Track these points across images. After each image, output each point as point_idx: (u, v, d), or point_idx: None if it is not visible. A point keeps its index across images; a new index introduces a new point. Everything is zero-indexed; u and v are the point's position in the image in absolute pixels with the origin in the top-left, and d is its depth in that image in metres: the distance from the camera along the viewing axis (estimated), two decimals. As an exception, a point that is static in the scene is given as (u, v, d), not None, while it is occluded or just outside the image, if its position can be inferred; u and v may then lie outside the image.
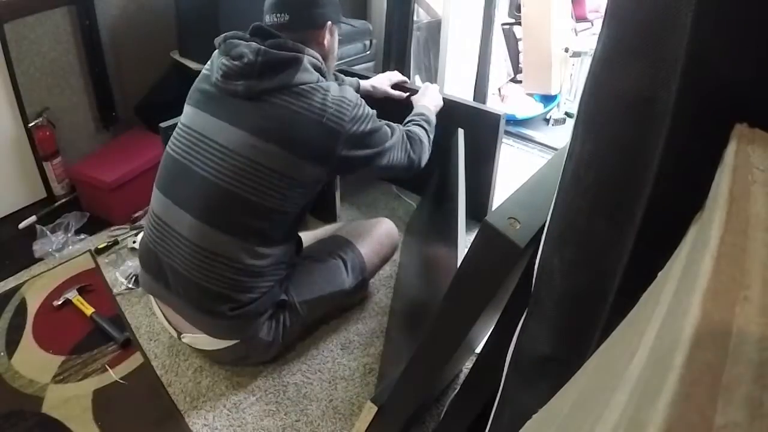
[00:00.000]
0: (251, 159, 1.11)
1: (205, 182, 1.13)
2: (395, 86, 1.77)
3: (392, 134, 1.29)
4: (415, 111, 1.52)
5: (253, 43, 1.14)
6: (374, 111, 1.26)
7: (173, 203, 1.18)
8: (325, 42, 1.27)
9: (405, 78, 1.80)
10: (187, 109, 1.24)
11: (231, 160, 1.12)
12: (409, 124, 1.44)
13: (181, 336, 1.28)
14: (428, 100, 1.59)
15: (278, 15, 1.21)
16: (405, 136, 1.34)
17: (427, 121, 1.47)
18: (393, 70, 2.55)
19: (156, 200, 1.23)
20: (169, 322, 1.29)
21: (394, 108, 1.94)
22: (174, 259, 1.18)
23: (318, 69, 1.19)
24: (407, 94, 1.73)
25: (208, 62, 1.24)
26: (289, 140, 1.12)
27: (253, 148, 1.11)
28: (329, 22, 1.26)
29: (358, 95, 1.23)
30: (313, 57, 1.19)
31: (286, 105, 1.12)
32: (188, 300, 1.19)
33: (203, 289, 1.16)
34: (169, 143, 1.24)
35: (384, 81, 1.75)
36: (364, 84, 1.71)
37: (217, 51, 1.21)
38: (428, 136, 1.43)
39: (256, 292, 1.19)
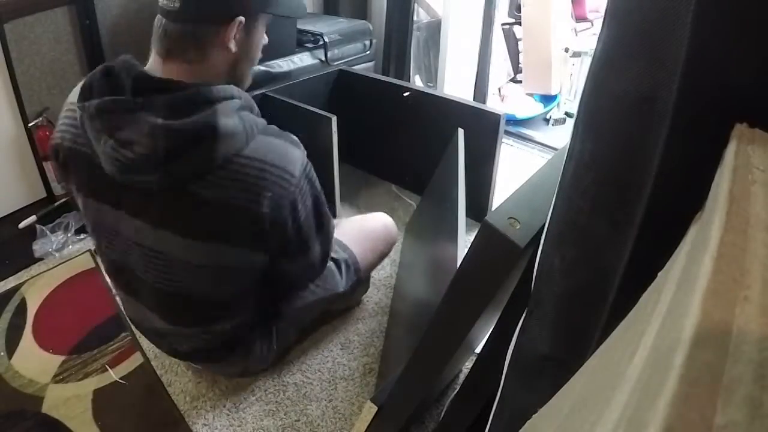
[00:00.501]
0: (193, 262, 0.95)
1: (154, 289, 1.02)
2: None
3: (330, 226, 1.12)
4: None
5: (143, 115, 0.82)
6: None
7: (134, 299, 1.11)
8: (232, 44, 0.92)
9: None
10: (87, 201, 0.97)
11: (170, 264, 0.95)
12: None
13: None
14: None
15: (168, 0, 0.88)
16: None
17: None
18: (393, 69, 2.56)
19: (121, 301, 1.23)
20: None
21: (389, 108, 1.94)
22: (166, 340, 1.18)
23: (239, 102, 0.91)
24: (407, 93, 1.73)
25: (66, 124, 0.94)
26: (229, 233, 0.92)
27: (191, 250, 0.93)
28: (241, 18, 0.91)
29: (303, 151, 0.97)
30: (226, 94, 0.88)
31: (212, 195, 0.87)
32: (186, 357, 1.24)
33: (199, 348, 1.17)
34: (97, 246, 1.07)
35: None
36: None
37: (86, 117, 0.86)
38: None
39: (243, 327, 1.18)
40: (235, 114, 0.88)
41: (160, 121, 0.82)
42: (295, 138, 0.98)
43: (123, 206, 0.93)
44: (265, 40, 1.02)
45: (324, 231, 1.09)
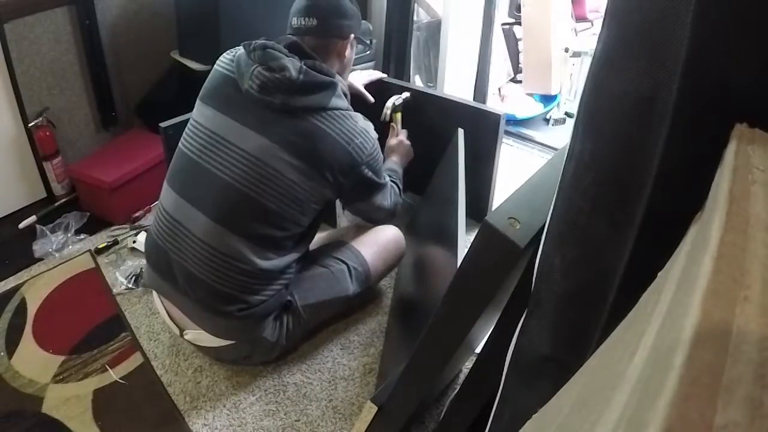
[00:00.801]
0: (276, 169, 1.13)
1: (225, 185, 1.14)
2: (370, 85, 1.78)
3: (386, 179, 1.37)
4: (388, 165, 1.52)
5: (295, 59, 1.15)
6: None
7: (187, 202, 1.18)
8: (346, 54, 1.31)
9: (383, 75, 1.83)
10: (205, 110, 1.22)
11: (255, 167, 1.13)
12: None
13: (184, 333, 1.28)
14: (398, 156, 1.61)
15: (306, 18, 1.23)
16: (392, 190, 1.41)
17: (400, 179, 1.51)
18: (393, 69, 2.55)
19: (168, 197, 1.23)
20: (172, 319, 1.29)
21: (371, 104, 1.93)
22: (185, 257, 1.18)
23: (345, 95, 1.23)
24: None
25: (230, 64, 1.22)
26: (316, 158, 1.15)
27: (280, 160, 1.13)
28: (352, 35, 1.30)
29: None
30: (342, 84, 1.23)
31: (318, 125, 1.15)
32: (196, 299, 1.19)
33: (213, 290, 1.16)
34: (183, 141, 1.24)
35: (359, 79, 1.76)
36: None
37: (244, 56, 1.18)
38: (400, 194, 1.48)
39: (265, 295, 1.20)
40: (344, 97, 1.22)
41: (305, 66, 1.14)
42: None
43: (235, 115, 1.17)
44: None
45: (384, 185, 1.35)
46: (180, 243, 1.18)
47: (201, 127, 1.21)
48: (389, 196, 1.38)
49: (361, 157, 1.20)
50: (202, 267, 1.15)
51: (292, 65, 1.13)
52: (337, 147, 1.16)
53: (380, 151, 1.29)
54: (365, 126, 1.23)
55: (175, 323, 1.29)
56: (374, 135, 1.25)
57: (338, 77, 1.22)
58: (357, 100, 1.67)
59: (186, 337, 1.28)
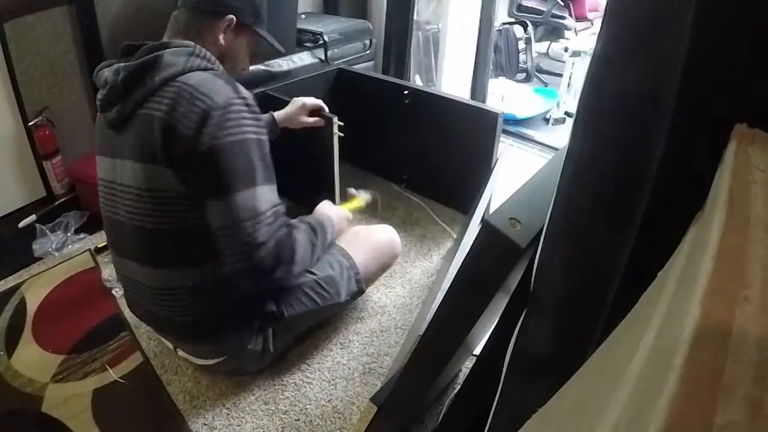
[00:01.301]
0: (149, 189, 1.02)
1: (134, 229, 1.07)
2: (313, 113, 1.56)
3: (270, 185, 1.04)
4: (313, 217, 1.26)
5: (116, 63, 1.05)
6: (264, 128, 1.05)
7: (122, 257, 1.16)
8: (222, 40, 1.12)
9: (321, 103, 1.57)
10: (98, 161, 1.15)
11: (138, 198, 1.04)
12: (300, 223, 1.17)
13: (177, 349, 1.30)
14: (333, 212, 1.34)
15: None
16: (287, 223, 1.07)
17: (321, 234, 1.20)
18: (393, 69, 2.56)
19: (111, 258, 1.24)
20: (165, 338, 1.31)
21: (388, 107, 1.94)
22: (145, 303, 1.18)
23: (197, 56, 1.04)
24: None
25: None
26: (159, 151, 0.98)
27: (144, 176, 1.01)
28: (232, 17, 1.11)
29: (245, 94, 1.02)
30: (193, 48, 1.04)
31: (150, 114, 0.99)
32: (170, 332, 1.23)
33: (179, 323, 1.16)
34: (99, 201, 1.18)
35: (299, 111, 1.53)
36: (278, 116, 1.52)
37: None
38: (311, 251, 1.15)
39: (225, 305, 1.15)
40: (184, 55, 1.03)
41: (123, 64, 1.02)
42: (241, 86, 1.04)
43: (106, 151, 1.10)
44: (245, 59, 1.21)
45: (253, 184, 0.99)
46: (137, 292, 1.18)
47: (100, 180, 1.15)
48: (269, 214, 1.01)
49: (201, 128, 0.95)
50: (159, 307, 1.15)
51: (110, 72, 1.03)
52: (166, 129, 0.97)
53: (252, 116, 1.01)
54: (208, 85, 0.98)
55: (168, 341, 1.31)
56: (224, 89, 0.99)
57: (185, 43, 1.05)
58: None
59: (179, 353, 1.31)
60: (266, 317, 1.23)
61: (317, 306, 1.28)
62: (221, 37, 1.12)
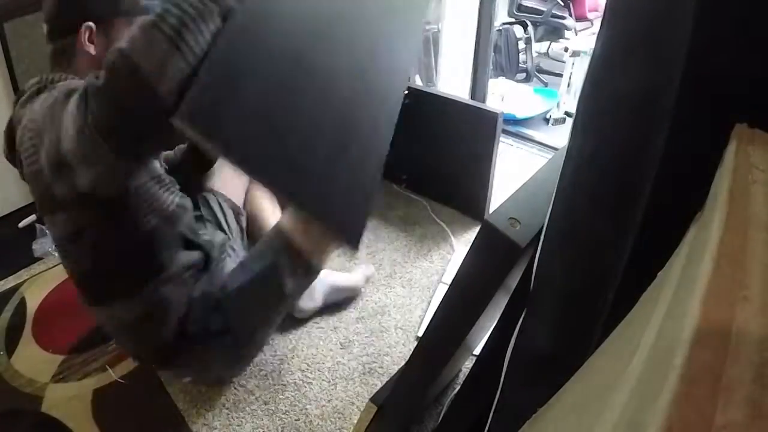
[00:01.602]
0: (66, 231, 1.00)
1: (76, 278, 1.08)
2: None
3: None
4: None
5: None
6: None
7: (88, 305, 1.13)
8: (92, 48, 0.99)
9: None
10: None
11: (68, 244, 1.03)
12: None
13: None
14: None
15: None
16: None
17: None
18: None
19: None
20: None
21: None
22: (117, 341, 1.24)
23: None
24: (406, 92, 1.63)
25: None
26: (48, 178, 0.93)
27: (54, 218, 1.01)
28: (88, 24, 0.97)
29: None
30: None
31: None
32: (144, 362, 1.28)
33: (143, 353, 1.19)
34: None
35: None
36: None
37: None
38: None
39: (179, 319, 1.09)
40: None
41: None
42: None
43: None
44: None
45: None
46: (111, 332, 1.22)
47: None
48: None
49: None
50: (123, 343, 1.21)
51: None
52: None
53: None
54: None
55: None
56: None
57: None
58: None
59: None
60: (215, 334, 1.11)
61: (246, 277, 1.11)
62: (91, 48, 0.99)
